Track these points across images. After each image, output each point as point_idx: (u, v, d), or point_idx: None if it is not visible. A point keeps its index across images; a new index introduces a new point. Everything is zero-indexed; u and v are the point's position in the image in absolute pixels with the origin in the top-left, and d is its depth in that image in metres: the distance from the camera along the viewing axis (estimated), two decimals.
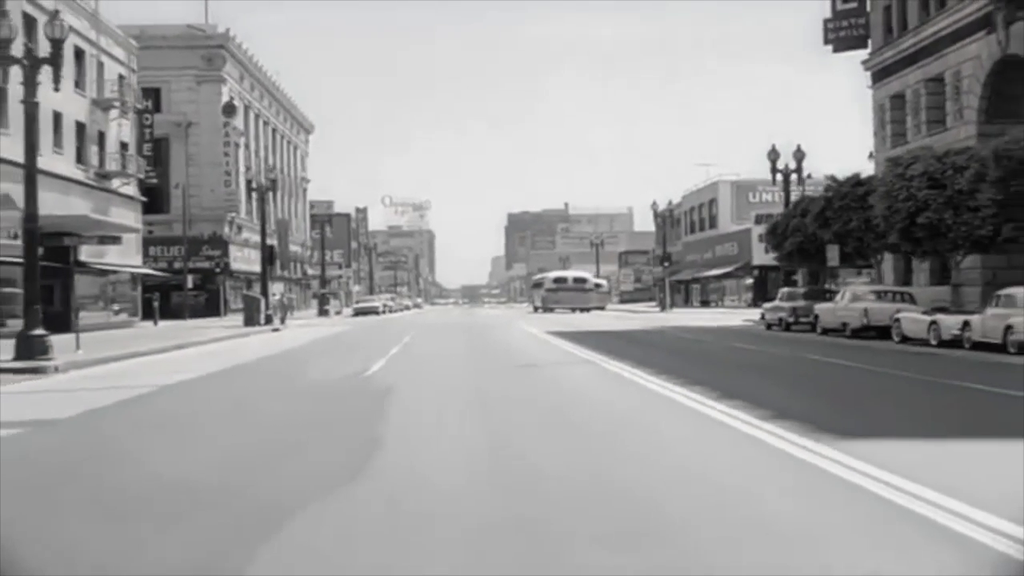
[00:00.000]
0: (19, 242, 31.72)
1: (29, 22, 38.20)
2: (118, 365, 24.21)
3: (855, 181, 37.16)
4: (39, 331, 23.19)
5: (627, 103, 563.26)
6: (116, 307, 49.80)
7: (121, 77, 50.27)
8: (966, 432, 11.06)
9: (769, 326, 38.97)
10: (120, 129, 50.65)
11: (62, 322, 40.39)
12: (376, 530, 6.39)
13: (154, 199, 61.50)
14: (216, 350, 30.81)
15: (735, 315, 55.90)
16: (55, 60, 23.83)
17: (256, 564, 5.63)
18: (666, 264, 75.88)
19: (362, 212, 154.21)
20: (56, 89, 25.78)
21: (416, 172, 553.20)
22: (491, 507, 6.97)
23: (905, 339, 27.67)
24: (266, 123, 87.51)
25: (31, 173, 24.05)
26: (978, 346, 23.95)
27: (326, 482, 7.97)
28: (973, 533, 5.97)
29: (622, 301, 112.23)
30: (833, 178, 39.23)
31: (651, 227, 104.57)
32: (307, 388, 17.16)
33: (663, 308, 71.77)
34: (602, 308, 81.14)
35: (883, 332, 29.50)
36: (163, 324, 50.74)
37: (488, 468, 8.71)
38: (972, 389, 15.65)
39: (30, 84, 23.34)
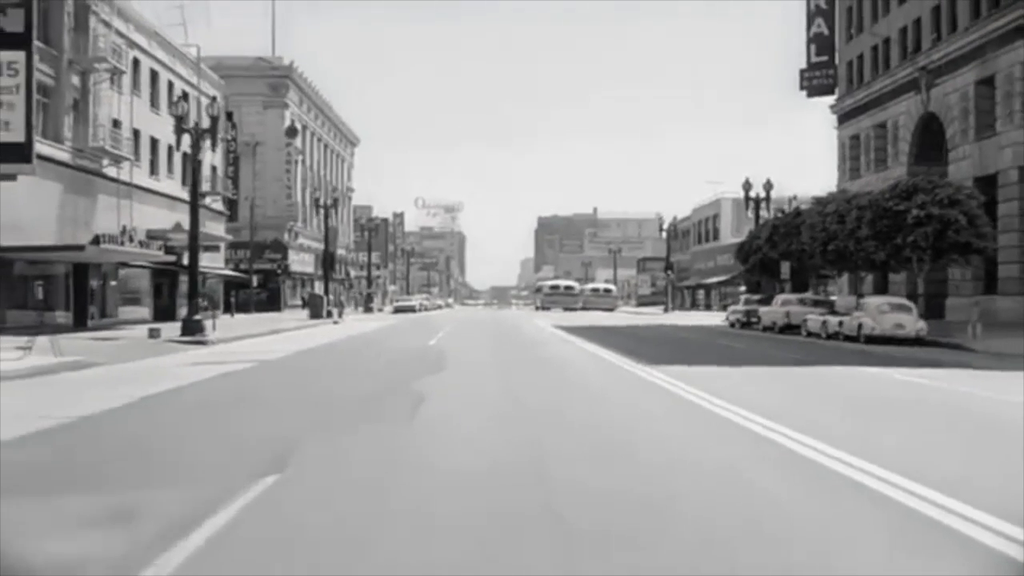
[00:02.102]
0: (141, 249, 42.69)
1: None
2: (245, 342, 34.78)
3: (794, 213, 47.63)
4: (197, 317, 34.05)
5: (658, 114, 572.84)
6: (204, 302, 60.70)
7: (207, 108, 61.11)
8: (734, 363, 21.51)
9: (732, 324, 49.44)
10: (212, 155, 61.56)
11: (169, 313, 51.50)
12: (447, 389, 17.04)
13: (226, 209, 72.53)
14: (304, 335, 41.49)
15: (722, 317, 66.35)
16: (213, 131, 34.81)
17: (410, 413, 16.25)
18: (669, 272, 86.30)
19: (399, 217, 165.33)
20: (213, 151, 36.54)
21: (449, 175, 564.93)
22: (500, 392, 17.64)
23: (809, 334, 38.08)
24: (319, 140, 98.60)
25: (194, 206, 34.96)
26: (849, 338, 34.33)
27: (428, 375, 18.63)
28: (698, 400, 16.53)
29: (639, 304, 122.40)
30: (781, 210, 49.67)
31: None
32: (392, 353, 27.88)
33: (666, 310, 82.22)
34: (612, 310, 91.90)
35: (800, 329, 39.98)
36: (238, 316, 61.50)
37: (494, 350, 19.39)
38: (788, 356, 26.05)
39: (196, 148, 34.29)
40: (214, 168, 62.27)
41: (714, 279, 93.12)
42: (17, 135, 32.30)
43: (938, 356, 27.08)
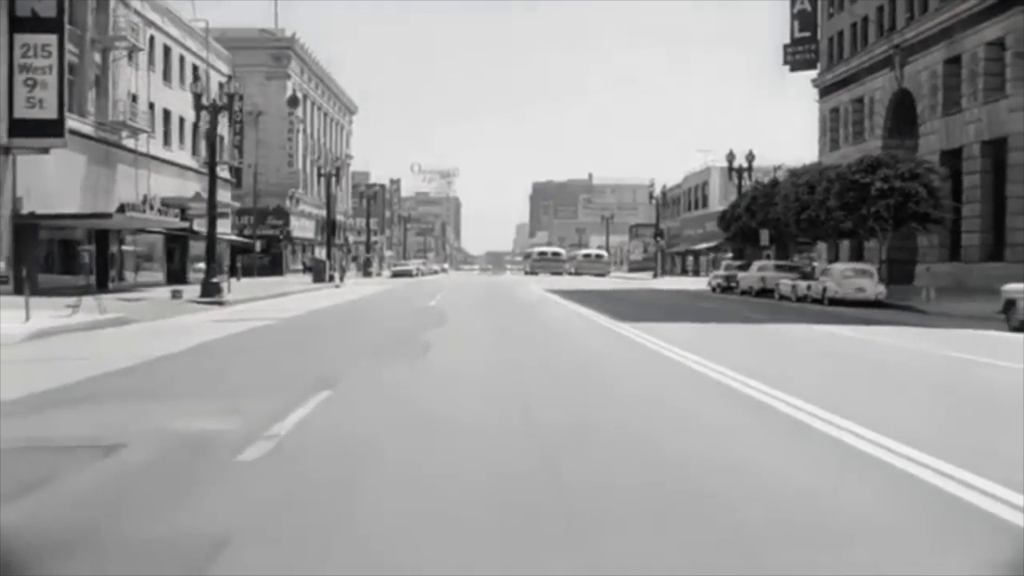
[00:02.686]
0: (160, 216, 45.56)
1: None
2: (258, 303, 37.67)
3: (772, 184, 50.57)
4: (215, 279, 36.99)
5: (654, 80, 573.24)
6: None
7: (220, 85, 63.82)
8: (701, 321, 24.50)
9: (713, 289, 52.49)
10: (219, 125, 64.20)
11: (181, 276, 54.38)
12: (449, 337, 20.06)
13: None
14: (311, 297, 44.43)
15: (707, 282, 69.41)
16: (230, 108, 37.64)
17: (409, 342, 19.29)
18: (659, 239, 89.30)
19: (396, 184, 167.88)
20: (231, 126, 39.32)
21: (445, 140, 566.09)
22: (484, 314, 20.68)
23: (782, 297, 41.12)
24: (319, 108, 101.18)
25: (212, 177, 37.82)
26: (815, 301, 37.36)
27: (432, 328, 21.66)
28: (655, 347, 19.55)
29: (631, 270, 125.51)
30: (759, 181, 52.62)
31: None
32: (399, 310, 30.86)
33: (655, 276, 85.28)
34: (604, 275, 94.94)
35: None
36: (244, 280, 64.39)
37: (490, 308, 22.42)
38: (754, 315, 29.06)
39: (214, 125, 37.11)
40: (221, 138, 64.78)
41: (703, 245, 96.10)
42: (51, 112, 35.13)
43: (891, 316, 30.12)
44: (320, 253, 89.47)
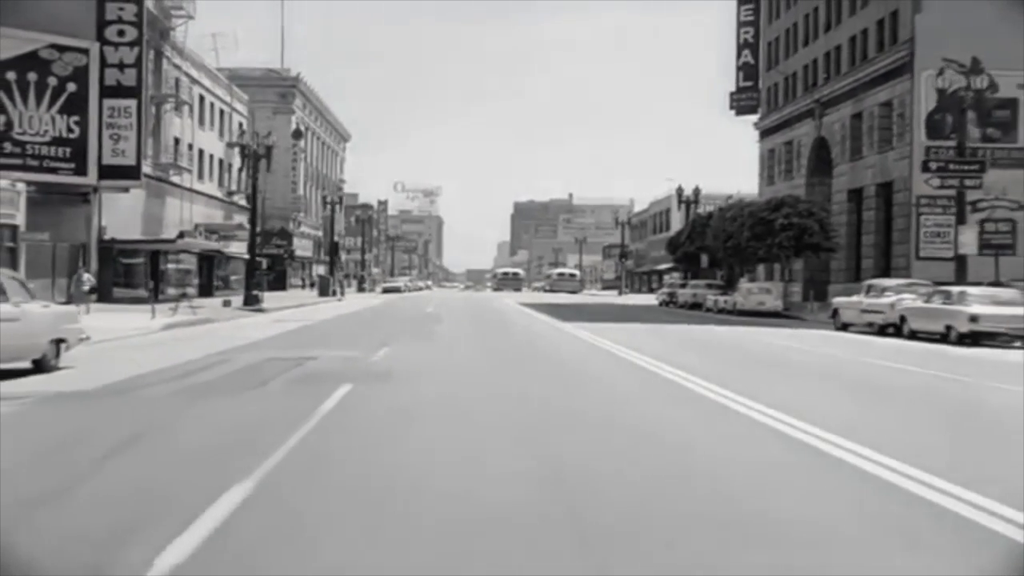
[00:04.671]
0: (204, 240, 55.28)
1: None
2: (288, 311, 47.38)
3: (708, 216, 60.74)
4: (255, 293, 46.79)
5: (631, 107, 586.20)
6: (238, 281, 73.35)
7: (240, 125, 73.83)
8: (628, 320, 34.41)
9: (660, 303, 62.57)
10: (237, 158, 74.04)
11: (208, 289, 64.04)
12: (447, 328, 30.00)
13: None
14: (326, 307, 54.20)
15: None
16: (268, 156, 47.40)
17: (422, 335, 29.22)
18: (623, 259, 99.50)
19: (383, 205, 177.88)
20: (268, 171, 49.23)
21: (428, 159, 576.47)
22: (470, 320, 30.68)
23: (707, 309, 51.11)
24: (318, 138, 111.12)
25: (253, 211, 47.72)
26: (729, 312, 47.34)
27: (430, 325, 31.57)
28: (586, 336, 29.51)
29: (604, 287, 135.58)
30: (698, 214, 62.82)
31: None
32: (401, 317, 40.72)
33: (620, 293, 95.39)
34: (575, 292, 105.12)
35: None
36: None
37: (474, 316, 32.41)
38: (675, 321, 38.98)
39: (255, 170, 46.96)
40: (240, 170, 74.76)
41: (665, 266, 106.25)
42: (131, 160, 44.93)
43: (774, 322, 40.11)
44: (317, 270, 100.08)
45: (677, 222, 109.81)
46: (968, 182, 36.89)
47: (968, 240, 35.41)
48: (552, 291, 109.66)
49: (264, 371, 15.99)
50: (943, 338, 26.52)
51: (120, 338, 23.44)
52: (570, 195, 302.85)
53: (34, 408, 11.61)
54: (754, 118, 78.82)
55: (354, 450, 8.80)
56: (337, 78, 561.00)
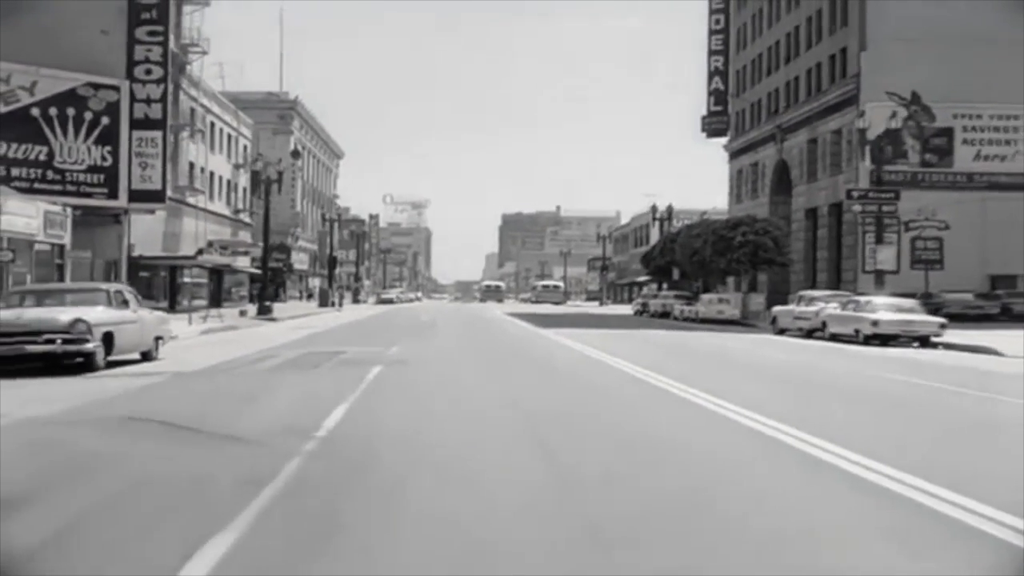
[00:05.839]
0: (218, 256, 60.64)
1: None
2: (298, 320, 52.65)
3: (676, 232, 66.37)
4: (267, 303, 52.20)
5: (615, 122, 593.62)
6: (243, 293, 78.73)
7: (245, 147, 79.33)
8: (599, 327, 39.92)
9: (635, 313, 68.14)
10: (244, 179, 79.59)
11: (217, 300, 69.44)
12: (442, 331, 35.55)
13: None
14: (329, 316, 59.51)
15: None
16: (280, 179, 52.87)
17: (423, 337, 34.78)
18: (604, 272, 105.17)
19: (374, 219, 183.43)
20: (279, 192, 54.67)
21: (417, 171, 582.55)
22: (461, 326, 36.25)
23: (675, 318, 56.65)
24: (314, 156, 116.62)
25: (266, 232, 53.04)
26: (692, 320, 52.86)
27: (428, 330, 37.10)
28: (561, 339, 35.06)
29: (588, 299, 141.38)
30: (670, 230, 68.48)
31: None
32: (401, 324, 46.17)
33: (601, 303, 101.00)
34: (559, 303, 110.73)
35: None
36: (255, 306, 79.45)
37: (464, 323, 37.99)
38: (641, 327, 44.48)
39: (267, 193, 52.40)
40: (245, 189, 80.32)
41: (643, 278, 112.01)
42: (156, 185, 50.35)
43: (730, 329, 45.59)
44: (313, 283, 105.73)
45: (655, 237, 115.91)
46: (885, 207, 42.53)
47: (885, 257, 41.07)
48: (537, 302, 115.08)
49: (311, 360, 21.45)
50: (854, 340, 32.11)
51: (175, 340, 28.87)
52: (558, 207, 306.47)
53: (173, 379, 17.08)
54: (724, 140, 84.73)
55: (393, 393, 14.40)
56: (324, 90, 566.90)
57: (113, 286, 22.10)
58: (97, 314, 18.31)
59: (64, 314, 17.83)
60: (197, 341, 29.77)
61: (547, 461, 9.03)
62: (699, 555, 5.90)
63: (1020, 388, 16.83)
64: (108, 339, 18.34)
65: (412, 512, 6.79)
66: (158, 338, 21.32)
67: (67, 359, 17.75)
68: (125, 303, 19.87)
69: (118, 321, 18.94)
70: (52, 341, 17.34)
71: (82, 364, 17.82)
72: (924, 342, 31.21)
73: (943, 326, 31.54)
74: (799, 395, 16.34)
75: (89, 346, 17.62)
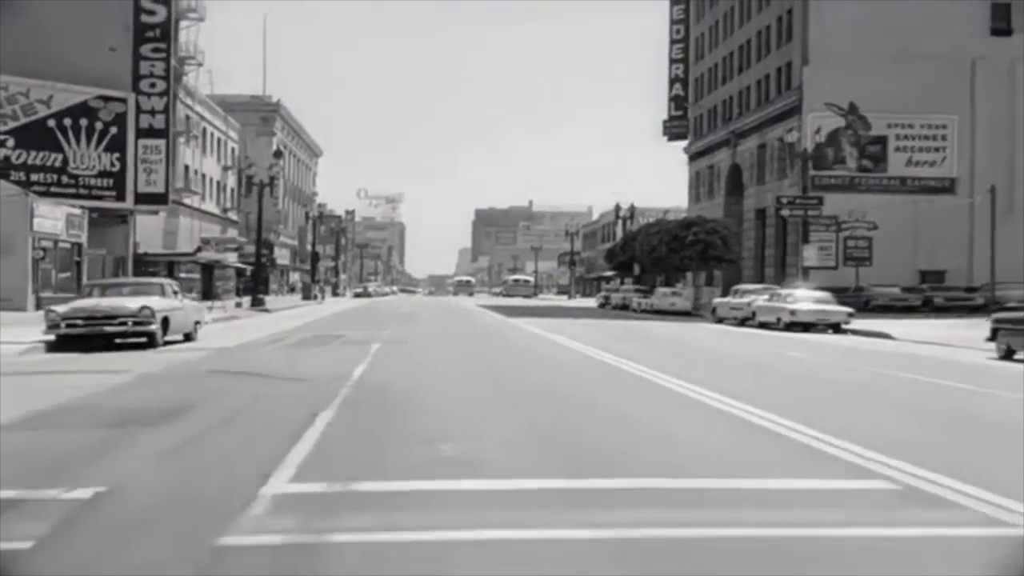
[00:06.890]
0: (214, 253, 65.46)
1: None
2: (289, 311, 57.55)
3: (637, 231, 71.71)
4: (260, 296, 57.12)
5: (589, 117, 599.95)
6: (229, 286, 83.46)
7: (233, 150, 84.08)
8: (563, 317, 45.11)
9: (599, 305, 73.43)
10: (232, 180, 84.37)
11: (208, 294, 74.20)
12: (423, 320, 40.71)
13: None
14: (316, 308, 64.47)
15: None
16: (272, 183, 57.80)
17: (406, 324, 39.92)
18: (573, 266, 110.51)
19: (351, 214, 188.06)
20: (272, 196, 59.61)
21: (390, 166, 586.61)
22: (438, 316, 41.47)
23: (633, 309, 61.90)
24: (294, 156, 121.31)
25: (260, 230, 57.96)
26: (647, 311, 58.13)
27: (409, 319, 42.23)
28: (524, 325, 40.28)
29: (558, 293, 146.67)
30: (631, 228, 73.84)
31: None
32: (385, 314, 51.21)
33: (569, 297, 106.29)
34: (529, 297, 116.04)
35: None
36: (244, 298, 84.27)
37: (440, 314, 43.19)
38: (599, 317, 49.67)
39: (261, 196, 57.32)
40: (233, 190, 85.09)
41: (608, 273, 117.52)
42: (160, 188, 55.22)
43: (678, 319, 50.89)
44: (293, 277, 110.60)
45: (620, 234, 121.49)
46: (811, 212, 48.00)
47: (810, 255, 46.53)
48: (508, 295, 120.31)
49: (320, 341, 26.54)
50: (776, 326, 37.44)
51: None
52: (530, 202, 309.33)
53: (220, 352, 22.17)
54: (684, 143, 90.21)
55: (393, 360, 19.60)
56: (301, 87, 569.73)
57: (164, 280, 27.16)
58: (156, 302, 23.36)
59: (132, 302, 22.89)
60: (214, 328, 34.61)
61: (495, 388, 14.46)
62: (566, 412, 11.17)
63: (889, 361, 22.26)
64: (165, 322, 23.39)
65: (416, 408, 12.04)
66: (197, 323, 26.35)
67: (135, 338, 22.79)
68: (175, 293, 24.93)
69: (170, 308, 24.01)
70: (124, 323, 22.39)
71: (145, 343, 22.87)
72: (836, 328, 36.57)
73: (851, 315, 36.98)
74: (706, 364, 21.61)
75: (153, 327, 22.69)
